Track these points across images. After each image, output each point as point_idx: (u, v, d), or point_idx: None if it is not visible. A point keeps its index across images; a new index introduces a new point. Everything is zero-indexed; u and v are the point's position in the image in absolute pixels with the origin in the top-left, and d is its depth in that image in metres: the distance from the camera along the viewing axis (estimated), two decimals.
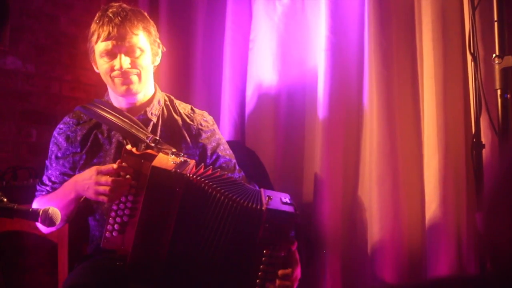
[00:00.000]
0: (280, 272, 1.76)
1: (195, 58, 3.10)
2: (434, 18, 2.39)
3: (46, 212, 1.64)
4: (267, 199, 1.78)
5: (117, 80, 2.01)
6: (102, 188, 1.78)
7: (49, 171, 2.10)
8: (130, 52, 1.99)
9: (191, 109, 2.20)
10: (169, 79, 3.11)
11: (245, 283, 1.77)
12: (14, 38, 3.20)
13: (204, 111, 2.23)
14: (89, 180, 1.82)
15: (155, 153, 1.83)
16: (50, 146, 2.12)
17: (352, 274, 2.55)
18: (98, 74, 2.11)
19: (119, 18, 1.96)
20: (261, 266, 1.74)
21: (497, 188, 0.85)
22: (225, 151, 2.15)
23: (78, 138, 2.07)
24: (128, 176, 1.79)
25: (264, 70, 2.83)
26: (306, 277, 2.50)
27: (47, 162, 2.12)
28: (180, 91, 2.98)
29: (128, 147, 1.83)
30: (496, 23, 2.17)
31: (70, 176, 2.06)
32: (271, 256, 1.74)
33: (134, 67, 2.00)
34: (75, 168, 2.06)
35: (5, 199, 1.67)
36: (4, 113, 3.19)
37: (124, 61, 1.97)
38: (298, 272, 1.81)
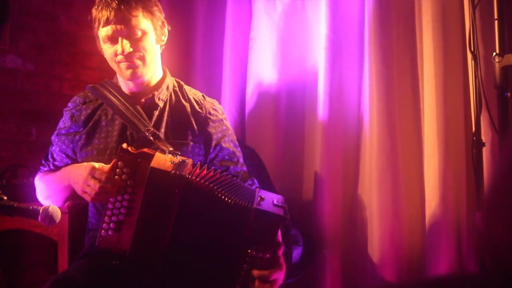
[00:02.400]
0: (259, 273, 1.74)
1: (195, 57, 3.10)
2: (434, 17, 2.39)
3: (46, 210, 1.64)
4: (258, 199, 1.76)
5: (122, 65, 2.00)
6: (88, 189, 1.80)
7: (53, 147, 2.14)
8: (131, 35, 1.96)
9: (202, 95, 2.19)
10: None
11: (227, 281, 1.76)
12: (14, 36, 3.20)
13: (215, 100, 2.21)
14: (81, 176, 1.83)
15: (152, 152, 1.81)
16: (59, 122, 2.16)
17: (352, 273, 2.55)
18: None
19: (116, 1, 1.93)
20: (244, 266, 1.73)
21: (497, 187, 0.85)
22: (230, 143, 2.12)
23: (82, 118, 2.08)
24: (124, 175, 1.78)
25: (264, 69, 2.83)
26: (306, 275, 2.51)
27: (52, 138, 2.15)
28: None
29: (124, 145, 1.81)
30: (496, 21, 2.17)
31: (69, 156, 2.10)
32: (255, 257, 1.73)
33: (137, 50, 1.97)
34: (75, 148, 2.08)
35: (5, 197, 1.67)
36: (4, 111, 3.19)
37: (126, 44, 1.95)
38: (278, 275, 1.77)
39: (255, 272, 1.74)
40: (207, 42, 3.08)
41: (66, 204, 2.23)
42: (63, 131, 2.11)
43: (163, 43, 2.10)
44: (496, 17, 2.17)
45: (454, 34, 2.39)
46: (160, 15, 2.07)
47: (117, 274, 1.80)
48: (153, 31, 2.03)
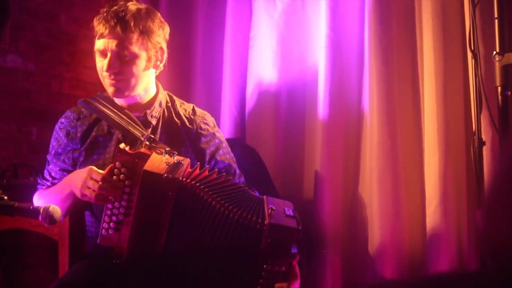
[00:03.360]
0: (278, 286, 1.71)
1: (195, 56, 3.09)
2: (434, 16, 2.39)
3: (46, 210, 1.65)
4: (269, 211, 1.71)
5: (106, 81, 2.01)
6: (88, 191, 1.80)
7: (50, 166, 2.11)
8: (120, 55, 1.96)
9: (193, 109, 2.17)
10: (169, 77, 3.10)
11: None
12: (14, 36, 3.20)
13: (206, 112, 2.20)
14: (80, 180, 1.83)
15: (149, 153, 1.82)
16: (52, 141, 2.12)
17: (352, 271, 2.55)
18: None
19: (115, 19, 1.94)
20: (261, 281, 1.69)
21: (498, 185, 0.85)
22: (225, 156, 2.11)
23: (79, 135, 2.06)
24: (122, 175, 1.78)
25: (264, 68, 2.83)
26: (306, 274, 2.50)
27: (48, 157, 2.12)
28: (180, 89, 2.97)
29: (122, 145, 1.82)
30: (496, 20, 2.17)
31: (70, 172, 2.06)
32: (271, 271, 1.69)
33: (123, 72, 1.98)
34: (75, 165, 2.06)
35: (5, 197, 1.67)
36: (4, 111, 3.19)
37: (112, 63, 1.96)
38: (294, 285, 1.76)
39: (272, 285, 1.71)
40: (207, 42, 3.08)
41: None
42: (60, 150, 2.08)
43: (159, 69, 2.10)
44: (496, 16, 2.17)
45: (454, 33, 2.39)
46: (158, 41, 2.05)
47: (117, 273, 1.80)
48: (145, 56, 2.01)
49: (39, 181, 2.15)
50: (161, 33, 2.06)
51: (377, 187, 2.44)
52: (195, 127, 2.11)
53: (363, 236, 2.53)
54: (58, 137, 2.10)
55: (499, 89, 2.15)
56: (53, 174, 2.11)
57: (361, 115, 2.60)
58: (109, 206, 1.79)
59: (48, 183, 2.12)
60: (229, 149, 2.17)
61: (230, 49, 2.93)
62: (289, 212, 1.77)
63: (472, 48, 2.29)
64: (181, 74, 3.11)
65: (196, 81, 3.06)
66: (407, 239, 2.43)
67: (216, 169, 2.02)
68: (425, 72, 2.43)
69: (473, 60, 2.30)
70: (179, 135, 2.08)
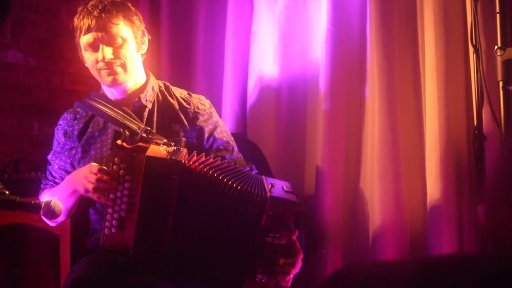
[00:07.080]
0: (281, 260, 1.77)
1: (197, 51, 3.09)
2: (436, 10, 2.38)
3: (48, 204, 1.65)
4: (269, 187, 1.78)
5: (102, 72, 2.02)
6: (91, 186, 1.82)
7: (51, 166, 2.16)
8: (111, 42, 1.99)
9: (188, 93, 2.21)
10: (171, 72, 3.11)
11: (246, 269, 1.78)
12: (15, 31, 3.20)
13: (201, 95, 2.23)
14: (82, 176, 1.86)
15: (147, 145, 1.84)
16: (53, 142, 2.17)
17: None
18: None
19: (97, 10, 1.98)
20: (263, 254, 1.75)
21: (499, 180, 0.85)
22: (222, 133, 2.15)
23: (76, 133, 2.11)
24: (121, 171, 1.80)
25: (265, 63, 2.83)
26: (307, 269, 2.51)
27: (49, 157, 2.17)
28: (181, 84, 2.96)
29: (119, 141, 1.84)
30: (498, 15, 2.17)
31: (68, 172, 2.10)
32: (273, 243, 1.75)
33: (117, 57, 2.00)
34: (72, 163, 2.10)
35: (7, 192, 1.67)
36: (5, 106, 3.19)
37: (106, 51, 1.98)
38: (299, 260, 1.82)
39: (276, 259, 1.77)
40: (208, 37, 3.08)
41: None
42: (58, 149, 2.13)
43: (144, 51, 2.13)
44: (498, 10, 2.16)
45: (455, 28, 2.38)
46: (140, 24, 2.10)
47: (124, 269, 1.80)
48: (133, 40, 2.06)
49: (42, 181, 2.20)
50: (138, 17, 2.12)
51: (378, 182, 2.44)
52: (192, 107, 2.15)
53: (364, 231, 2.53)
54: (57, 137, 2.15)
55: (501, 83, 2.15)
56: (53, 173, 2.15)
57: (362, 110, 2.60)
58: (110, 203, 1.80)
59: (51, 183, 2.16)
60: (226, 128, 2.22)
61: (232, 44, 2.93)
62: (288, 188, 1.83)
63: (474, 42, 2.29)
64: (183, 69, 3.11)
65: (198, 76, 3.06)
66: (408, 235, 2.43)
67: (215, 146, 2.09)
68: (426, 67, 2.43)
69: (474, 54, 2.29)
70: (176, 115, 2.12)
